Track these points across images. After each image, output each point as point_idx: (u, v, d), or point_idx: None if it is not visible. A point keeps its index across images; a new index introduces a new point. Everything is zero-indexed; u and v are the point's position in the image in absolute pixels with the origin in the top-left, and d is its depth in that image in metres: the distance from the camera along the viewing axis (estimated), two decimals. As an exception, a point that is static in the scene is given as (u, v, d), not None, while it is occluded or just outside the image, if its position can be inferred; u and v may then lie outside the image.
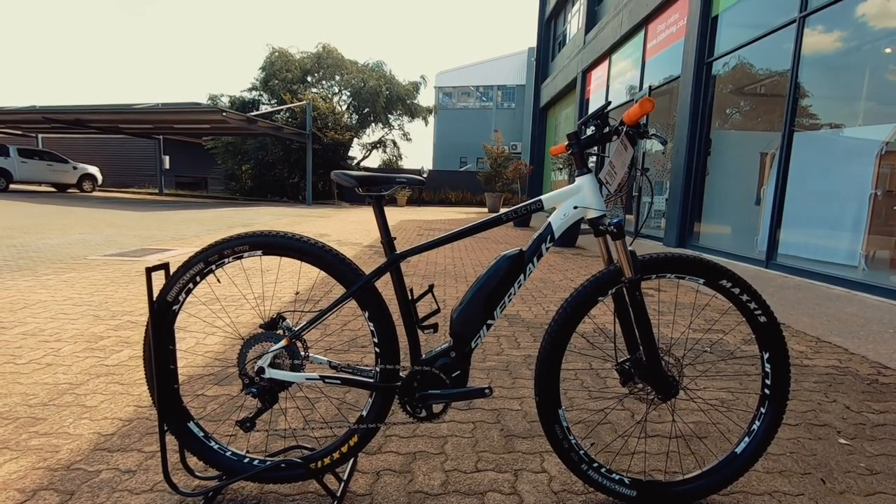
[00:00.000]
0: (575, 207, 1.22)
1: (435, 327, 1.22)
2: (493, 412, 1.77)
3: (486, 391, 1.22)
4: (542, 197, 1.25)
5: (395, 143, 24.78)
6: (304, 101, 18.65)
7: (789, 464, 1.49)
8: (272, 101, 21.84)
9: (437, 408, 1.26)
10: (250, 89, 23.06)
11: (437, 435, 1.59)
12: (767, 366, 1.26)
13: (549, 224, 1.22)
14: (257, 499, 1.25)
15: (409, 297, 1.23)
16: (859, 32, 4.52)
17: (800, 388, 2.07)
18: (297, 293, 3.52)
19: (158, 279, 1.11)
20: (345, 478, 1.31)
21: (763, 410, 1.28)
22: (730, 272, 1.21)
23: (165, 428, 1.18)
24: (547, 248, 1.22)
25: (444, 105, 34.19)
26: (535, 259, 1.21)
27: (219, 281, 1.78)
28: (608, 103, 1.35)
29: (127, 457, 1.40)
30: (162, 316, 1.18)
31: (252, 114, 17.73)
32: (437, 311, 1.25)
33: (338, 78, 23.59)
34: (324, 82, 23.77)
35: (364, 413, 1.27)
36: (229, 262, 1.21)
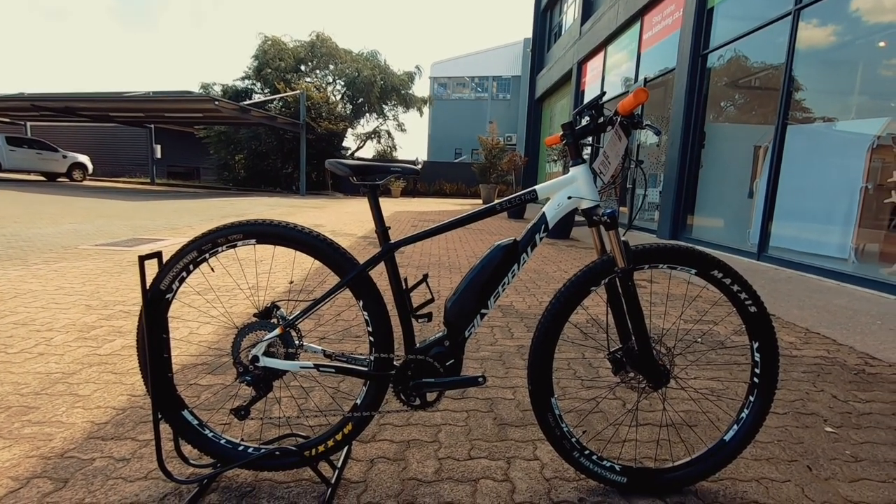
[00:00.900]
0: (569, 197, 1.23)
1: (429, 317, 1.23)
2: (487, 401, 1.78)
3: (480, 380, 1.23)
4: (536, 187, 1.25)
5: (389, 133, 24.69)
6: (298, 91, 18.47)
7: (777, 451, 1.51)
8: (265, 91, 21.60)
9: (430, 396, 1.27)
10: (243, 78, 22.80)
11: (431, 423, 1.61)
12: (757, 355, 1.28)
13: (544, 214, 1.23)
14: (252, 486, 1.26)
15: (404, 287, 1.23)
16: (853, 26, 4.53)
17: (788, 378, 2.10)
18: (292, 282, 3.51)
19: (151, 268, 1.10)
20: (339, 465, 1.32)
21: (752, 399, 1.30)
22: (721, 262, 1.22)
23: (160, 416, 1.18)
24: (541, 238, 1.23)
25: (439, 96, 33.99)
26: (529, 249, 1.22)
27: (213, 270, 1.78)
28: (603, 93, 1.35)
29: (121, 445, 1.40)
30: (155, 304, 1.17)
31: (245, 103, 17.52)
32: (432, 300, 1.25)
33: (332, 67, 23.37)
34: (317, 71, 23.54)
35: (358, 401, 1.27)
36: (223, 251, 1.20)
